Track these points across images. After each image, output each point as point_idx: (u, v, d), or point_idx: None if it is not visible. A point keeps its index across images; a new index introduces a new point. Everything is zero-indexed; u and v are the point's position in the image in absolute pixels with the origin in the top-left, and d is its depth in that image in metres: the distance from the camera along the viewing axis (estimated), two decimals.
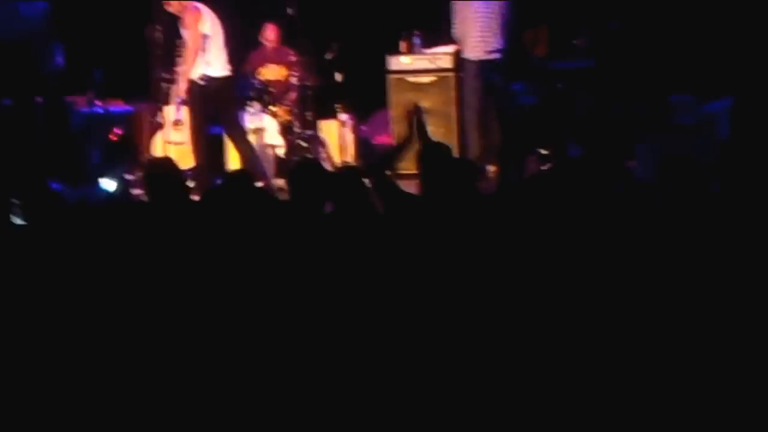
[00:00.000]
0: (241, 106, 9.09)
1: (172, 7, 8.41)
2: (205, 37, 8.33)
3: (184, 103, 8.49)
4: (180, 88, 8.52)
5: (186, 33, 8.40)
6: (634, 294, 4.34)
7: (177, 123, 8.66)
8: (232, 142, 8.64)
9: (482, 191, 5.55)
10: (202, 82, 8.36)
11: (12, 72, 8.98)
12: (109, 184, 9.08)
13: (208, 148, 8.55)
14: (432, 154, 5.31)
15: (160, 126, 8.83)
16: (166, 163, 5.56)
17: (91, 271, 4.54)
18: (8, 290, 4.37)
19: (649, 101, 8.22)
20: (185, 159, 8.42)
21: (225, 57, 8.48)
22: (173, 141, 8.68)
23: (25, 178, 5.18)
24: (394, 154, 5.65)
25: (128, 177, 8.37)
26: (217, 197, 4.85)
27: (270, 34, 9.67)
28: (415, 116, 5.93)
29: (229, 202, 4.69)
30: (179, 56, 8.54)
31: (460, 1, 8.93)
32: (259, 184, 6.50)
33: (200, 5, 8.42)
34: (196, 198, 5.68)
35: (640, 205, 4.93)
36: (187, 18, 8.38)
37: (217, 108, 8.49)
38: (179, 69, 8.55)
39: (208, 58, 8.37)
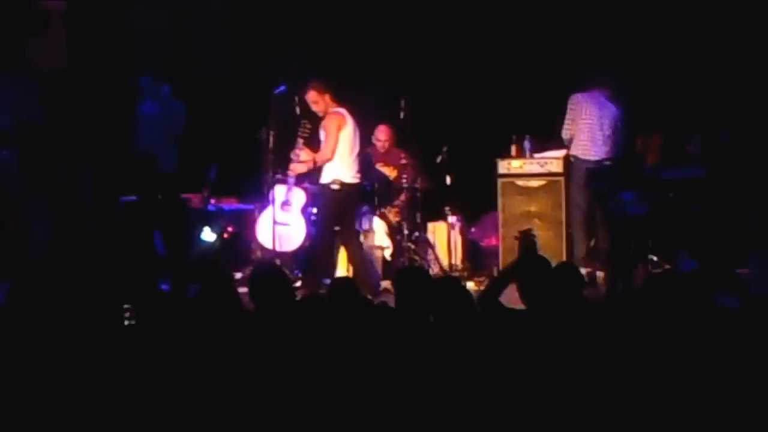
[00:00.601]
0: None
1: (317, 106, 8.50)
2: (343, 143, 8.43)
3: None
4: (295, 170, 8.65)
5: (324, 134, 8.48)
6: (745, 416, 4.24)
7: (285, 204, 8.75)
8: (346, 250, 8.65)
9: (589, 299, 5.48)
10: (335, 187, 8.44)
11: (138, 173, 9.33)
12: (209, 235, 9.25)
13: (327, 250, 8.56)
14: (531, 266, 5.24)
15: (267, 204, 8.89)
16: (273, 267, 5.63)
17: (196, 372, 4.60)
18: (118, 390, 4.46)
19: (761, 211, 8.05)
20: (289, 241, 8.55)
21: (357, 165, 8.56)
22: (279, 221, 8.74)
23: (138, 281, 5.31)
24: (500, 283, 5.53)
25: (237, 275, 8.46)
26: (320, 304, 4.87)
27: (382, 135, 9.74)
28: (526, 242, 5.80)
29: (332, 310, 4.73)
30: (304, 139, 8.63)
31: (574, 103, 8.96)
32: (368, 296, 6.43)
33: (344, 111, 8.51)
34: (300, 299, 5.71)
35: (754, 321, 4.81)
36: (330, 120, 8.46)
37: (342, 213, 8.55)
38: (303, 157, 8.62)
39: (343, 163, 8.45)
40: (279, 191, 8.81)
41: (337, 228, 8.55)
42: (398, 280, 5.15)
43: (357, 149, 8.59)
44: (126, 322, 4.99)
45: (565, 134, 9.05)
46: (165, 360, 4.58)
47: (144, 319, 4.94)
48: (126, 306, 4.99)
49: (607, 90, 8.97)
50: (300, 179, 8.85)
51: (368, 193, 9.29)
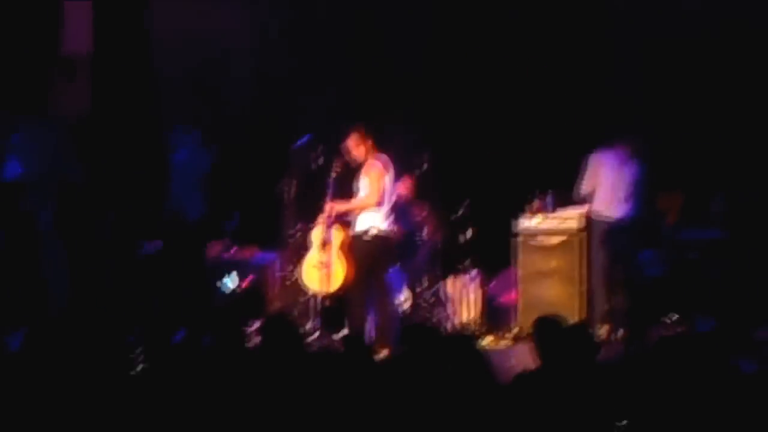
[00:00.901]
0: None
1: (357, 151, 8.41)
2: (384, 191, 8.40)
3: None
4: (331, 211, 8.53)
5: (368, 180, 8.40)
6: None
7: (324, 244, 8.61)
8: (375, 302, 8.46)
9: (602, 362, 5.45)
10: (373, 232, 8.38)
11: (161, 219, 9.35)
12: (234, 281, 9.21)
13: (357, 301, 8.43)
14: (547, 328, 5.22)
15: (306, 248, 8.75)
16: (284, 318, 5.63)
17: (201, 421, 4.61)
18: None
19: None
20: (328, 281, 8.48)
21: (393, 215, 8.49)
22: (319, 262, 8.59)
23: (154, 327, 5.36)
24: None
25: (250, 326, 8.39)
26: (332, 362, 4.87)
27: (404, 188, 9.74)
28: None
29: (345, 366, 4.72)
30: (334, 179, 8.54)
31: (594, 161, 8.93)
32: (384, 352, 6.30)
33: (386, 158, 8.46)
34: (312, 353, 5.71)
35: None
36: (374, 166, 8.39)
37: (375, 263, 8.42)
38: (340, 204, 8.55)
39: (382, 211, 8.39)
40: (317, 232, 8.70)
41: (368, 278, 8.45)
42: (405, 337, 5.16)
43: (394, 198, 8.56)
44: (138, 368, 5.00)
45: (582, 191, 8.99)
46: (172, 407, 4.59)
47: (155, 366, 4.96)
48: (137, 352, 5.01)
49: (629, 147, 8.95)
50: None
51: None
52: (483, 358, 4.98)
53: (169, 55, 10.71)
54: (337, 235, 8.62)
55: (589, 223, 9.04)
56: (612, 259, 8.79)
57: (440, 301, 9.23)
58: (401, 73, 10.78)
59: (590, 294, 8.98)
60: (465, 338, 5.49)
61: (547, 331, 5.22)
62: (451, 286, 9.50)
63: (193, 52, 10.89)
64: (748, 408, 4.57)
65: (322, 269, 8.55)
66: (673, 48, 10.03)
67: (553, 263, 9.09)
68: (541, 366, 5.12)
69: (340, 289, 8.54)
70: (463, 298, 9.38)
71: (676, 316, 8.33)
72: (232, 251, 9.82)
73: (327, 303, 8.74)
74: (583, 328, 6.03)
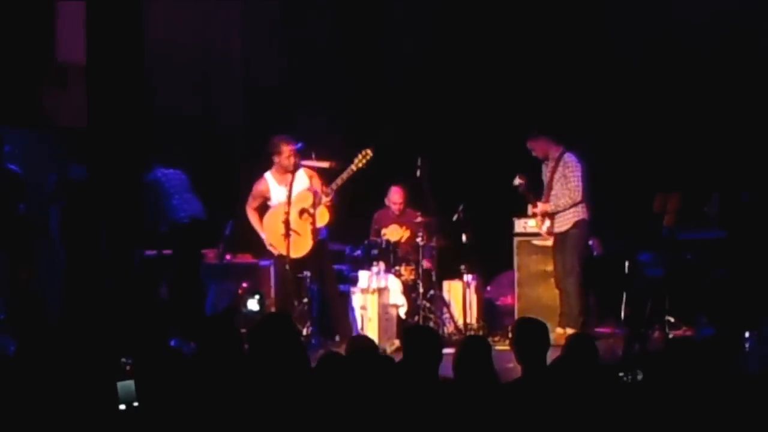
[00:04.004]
0: (367, 265, 9.10)
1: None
2: None
3: None
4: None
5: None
6: None
7: (302, 212, 8.58)
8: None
9: (603, 364, 5.42)
10: None
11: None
12: (254, 305, 9.16)
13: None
14: (529, 333, 5.17)
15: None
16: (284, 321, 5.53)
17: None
18: None
19: None
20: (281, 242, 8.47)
21: None
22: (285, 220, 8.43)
23: (145, 337, 5.28)
24: None
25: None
26: (336, 360, 4.82)
27: (396, 196, 9.71)
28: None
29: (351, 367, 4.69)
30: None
31: (577, 168, 8.85)
32: None
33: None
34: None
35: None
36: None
37: None
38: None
39: None
40: (306, 196, 8.62)
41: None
42: (406, 338, 5.12)
43: None
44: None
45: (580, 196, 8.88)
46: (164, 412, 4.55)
47: (145, 374, 4.88)
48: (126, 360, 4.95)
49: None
50: None
51: (383, 250, 9.22)
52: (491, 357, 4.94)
53: (162, 62, 10.69)
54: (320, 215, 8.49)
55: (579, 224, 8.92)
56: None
57: (438, 306, 9.19)
58: (393, 79, 10.78)
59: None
60: (479, 338, 5.47)
61: (525, 333, 5.17)
62: (449, 290, 9.47)
63: (185, 59, 10.87)
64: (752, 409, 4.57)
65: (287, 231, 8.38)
66: (669, 48, 10.04)
67: (550, 265, 9.04)
68: (523, 370, 5.06)
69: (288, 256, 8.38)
70: (461, 303, 9.33)
71: (675, 318, 8.31)
72: (226, 258, 9.78)
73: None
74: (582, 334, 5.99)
